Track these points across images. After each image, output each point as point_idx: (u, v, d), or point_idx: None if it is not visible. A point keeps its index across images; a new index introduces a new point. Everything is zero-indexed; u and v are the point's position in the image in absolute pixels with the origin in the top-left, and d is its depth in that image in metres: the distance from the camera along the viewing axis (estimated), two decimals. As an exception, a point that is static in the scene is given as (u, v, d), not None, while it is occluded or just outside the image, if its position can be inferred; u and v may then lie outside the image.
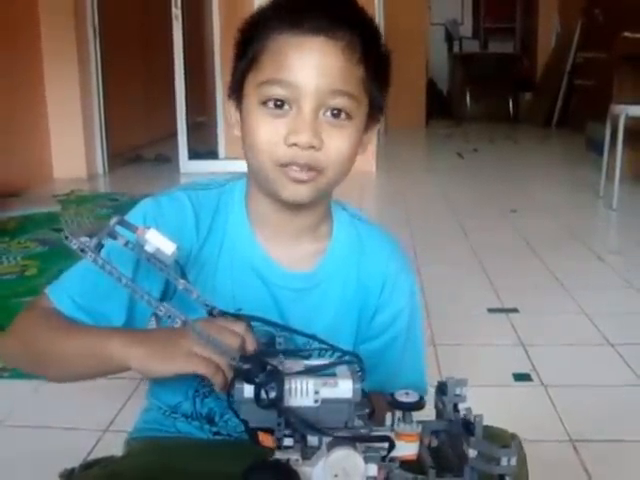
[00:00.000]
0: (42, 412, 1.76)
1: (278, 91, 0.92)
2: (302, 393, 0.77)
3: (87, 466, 1.08)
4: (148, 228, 0.85)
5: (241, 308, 1.01)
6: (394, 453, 0.78)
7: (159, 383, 1.08)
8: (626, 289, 2.68)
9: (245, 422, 0.79)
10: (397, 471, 0.79)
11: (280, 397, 0.76)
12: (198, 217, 1.04)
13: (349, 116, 0.94)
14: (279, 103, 0.93)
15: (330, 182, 0.99)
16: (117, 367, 0.92)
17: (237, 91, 0.99)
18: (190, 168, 5.05)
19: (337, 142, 0.94)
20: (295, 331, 0.94)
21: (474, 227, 3.58)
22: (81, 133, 5.00)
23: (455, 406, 0.82)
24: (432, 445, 0.83)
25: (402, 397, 0.79)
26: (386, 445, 0.78)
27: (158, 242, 0.85)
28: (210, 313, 0.88)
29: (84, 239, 0.86)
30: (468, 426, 0.79)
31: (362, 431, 0.79)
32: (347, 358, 0.85)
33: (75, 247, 0.85)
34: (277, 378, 0.76)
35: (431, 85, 8.95)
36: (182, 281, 0.86)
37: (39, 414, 1.76)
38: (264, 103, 0.93)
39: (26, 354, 1.02)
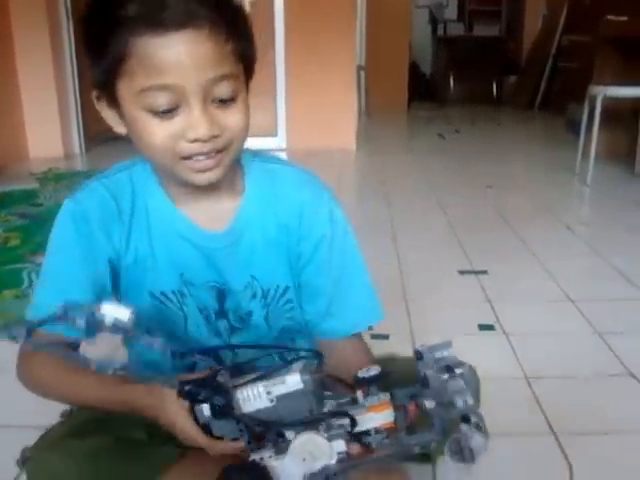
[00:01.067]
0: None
1: (162, 99, 0.92)
2: (255, 397, 0.84)
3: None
4: (99, 305, 0.84)
5: (183, 273, 1.10)
6: (370, 424, 0.84)
7: None
8: (592, 256, 2.82)
9: (221, 438, 0.88)
10: (373, 436, 0.85)
11: (227, 405, 0.84)
12: (118, 202, 1.08)
13: (235, 94, 0.95)
14: (166, 109, 0.93)
15: (236, 153, 1.02)
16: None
17: (105, 92, 0.98)
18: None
19: (234, 119, 0.96)
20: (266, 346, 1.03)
21: (451, 202, 3.70)
22: (57, 113, 5.03)
23: (449, 368, 0.86)
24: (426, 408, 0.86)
25: (363, 373, 0.86)
26: (347, 421, 0.84)
27: (114, 312, 0.85)
28: (178, 355, 0.92)
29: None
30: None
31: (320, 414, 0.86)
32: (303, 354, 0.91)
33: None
34: (220, 389, 0.84)
35: (414, 68, 8.97)
36: (145, 336, 0.86)
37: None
38: (149, 110, 0.93)
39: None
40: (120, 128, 1.01)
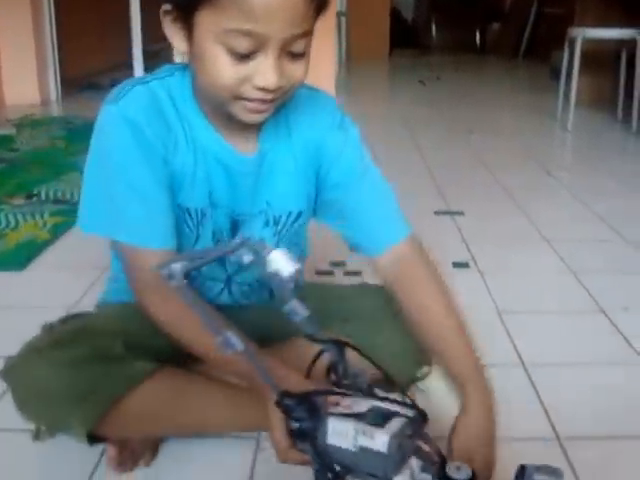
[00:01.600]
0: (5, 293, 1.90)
1: (244, 44, 0.93)
2: (343, 435, 0.82)
3: (65, 320, 1.21)
4: (272, 249, 0.87)
5: (211, 194, 1.14)
6: None
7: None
8: (570, 199, 2.83)
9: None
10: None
11: (312, 433, 0.84)
12: (163, 111, 1.08)
13: (307, 50, 0.99)
14: (245, 53, 0.94)
15: (286, 98, 1.06)
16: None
17: (181, 12, 0.97)
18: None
19: (299, 72, 1.00)
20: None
21: (430, 146, 3.69)
22: (33, 60, 4.92)
23: None
24: None
25: (453, 473, 0.82)
26: None
27: (279, 264, 0.87)
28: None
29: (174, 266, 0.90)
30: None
31: None
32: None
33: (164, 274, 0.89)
34: (314, 413, 0.85)
35: (395, 14, 8.79)
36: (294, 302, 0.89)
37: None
38: (227, 49, 0.94)
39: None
40: (180, 45, 1.01)
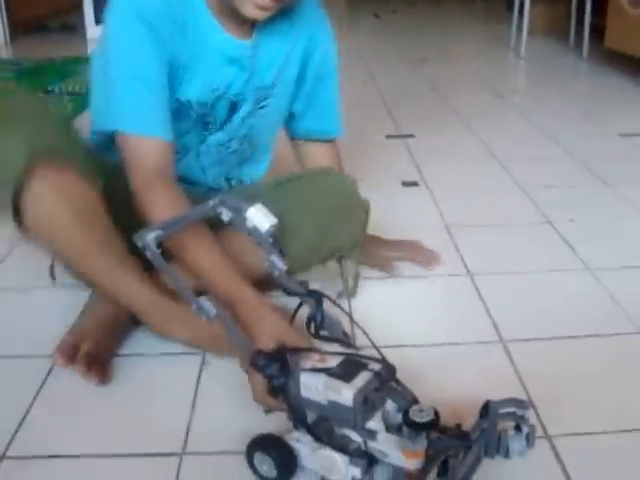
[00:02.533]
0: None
1: None
2: (314, 389, 0.88)
3: None
4: (249, 207, 0.96)
5: (216, 88, 1.23)
6: (396, 463, 0.85)
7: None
8: (520, 120, 2.83)
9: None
10: None
11: (284, 388, 0.90)
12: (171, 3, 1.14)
13: None
14: None
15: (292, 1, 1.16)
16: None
17: None
18: (98, 34, 4.85)
19: None
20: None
21: (382, 74, 3.65)
22: (-19, 4, 4.75)
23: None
24: None
25: (416, 416, 0.83)
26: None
27: (256, 220, 0.96)
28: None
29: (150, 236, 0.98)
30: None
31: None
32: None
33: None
34: (287, 369, 0.90)
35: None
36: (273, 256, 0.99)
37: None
38: None
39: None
40: None
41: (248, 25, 1.23)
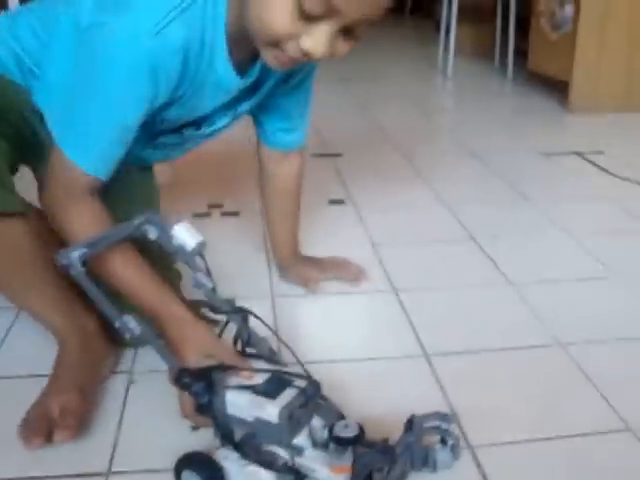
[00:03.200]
0: None
1: (319, 8, 0.91)
2: (240, 407, 0.88)
3: None
4: (175, 223, 0.98)
5: (199, 110, 1.20)
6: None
7: None
8: (446, 139, 2.90)
9: None
10: None
11: (208, 407, 0.90)
12: (187, 59, 1.04)
13: (361, 34, 0.99)
14: (311, 16, 0.92)
15: None
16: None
17: None
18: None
19: (343, 51, 1.00)
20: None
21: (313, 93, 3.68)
22: None
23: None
24: None
25: (341, 431, 0.85)
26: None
27: (182, 238, 0.97)
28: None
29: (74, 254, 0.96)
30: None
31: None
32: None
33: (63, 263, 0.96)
34: (212, 387, 0.90)
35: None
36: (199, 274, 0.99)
37: None
38: (297, 5, 0.92)
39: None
40: None
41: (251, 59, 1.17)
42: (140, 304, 1.06)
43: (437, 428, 0.96)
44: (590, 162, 2.50)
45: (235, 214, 1.93)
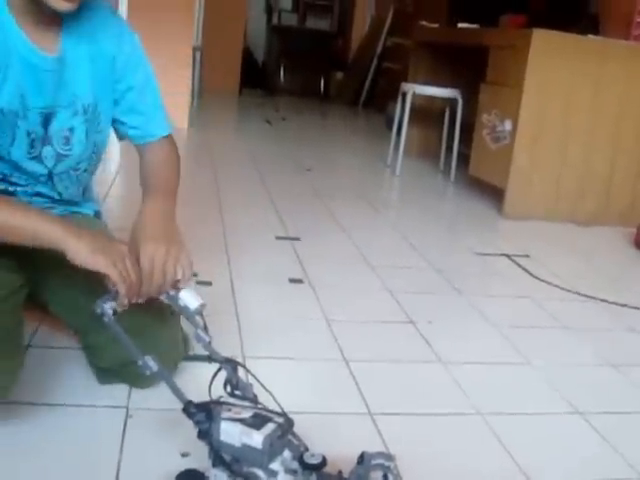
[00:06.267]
0: None
1: None
2: (232, 434, 1.10)
3: None
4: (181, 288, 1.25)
5: (23, 95, 1.29)
6: None
7: None
8: (391, 232, 3.24)
9: None
10: None
11: (207, 433, 1.12)
12: None
13: None
14: None
15: None
16: (49, 248, 1.18)
17: None
18: None
19: None
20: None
21: (273, 180, 4.00)
22: None
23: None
24: None
25: (309, 459, 1.09)
26: None
27: (187, 300, 1.24)
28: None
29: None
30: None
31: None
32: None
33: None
34: (211, 417, 1.12)
35: (248, 54, 9.13)
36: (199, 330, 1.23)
37: None
38: None
39: None
40: None
41: (54, 33, 1.30)
42: (35, 236, 1.18)
43: (381, 465, 1.15)
44: (516, 264, 2.85)
45: (209, 283, 2.18)
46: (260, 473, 1.12)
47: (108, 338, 1.25)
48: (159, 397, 1.46)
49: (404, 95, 4.56)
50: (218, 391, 1.19)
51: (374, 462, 1.14)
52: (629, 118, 3.70)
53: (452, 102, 4.55)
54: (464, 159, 4.35)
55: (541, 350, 2.04)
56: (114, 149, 3.94)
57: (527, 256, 2.98)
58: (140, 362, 1.18)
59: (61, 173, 1.45)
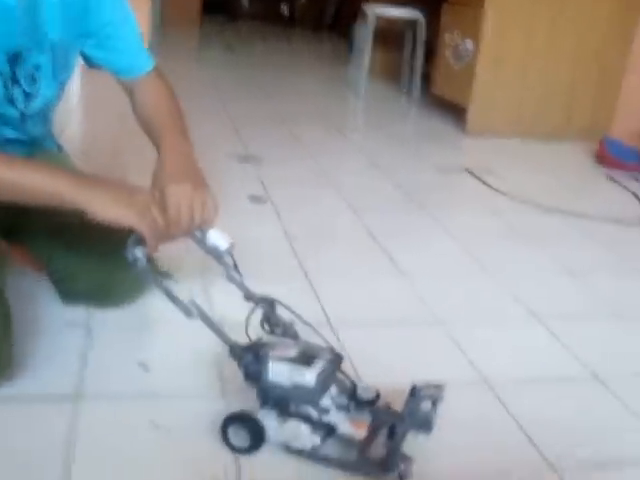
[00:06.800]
0: None
1: None
2: (282, 374, 1.07)
3: None
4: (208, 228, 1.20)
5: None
6: (345, 431, 1.08)
7: None
8: (356, 153, 3.24)
9: None
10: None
11: (257, 374, 1.08)
12: None
13: None
14: None
15: None
16: (69, 207, 1.10)
17: None
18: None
19: None
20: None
21: (234, 104, 3.96)
22: None
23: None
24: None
25: (362, 393, 1.08)
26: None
27: (216, 240, 1.19)
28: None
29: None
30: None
31: None
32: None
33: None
34: (259, 357, 1.09)
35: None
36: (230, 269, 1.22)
37: None
38: None
39: None
40: None
41: None
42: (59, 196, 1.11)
43: (431, 396, 1.09)
44: (478, 179, 2.88)
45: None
46: (312, 411, 1.11)
47: (82, 264, 1.30)
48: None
49: (365, 17, 4.49)
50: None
51: (425, 393, 1.11)
52: (590, 36, 3.69)
53: (414, 23, 4.49)
54: (427, 79, 4.34)
55: (502, 261, 2.08)
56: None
57: (489, 171, 2.99)
58: (182, 303, 1.11)
59: (33, 115, 1.40)
